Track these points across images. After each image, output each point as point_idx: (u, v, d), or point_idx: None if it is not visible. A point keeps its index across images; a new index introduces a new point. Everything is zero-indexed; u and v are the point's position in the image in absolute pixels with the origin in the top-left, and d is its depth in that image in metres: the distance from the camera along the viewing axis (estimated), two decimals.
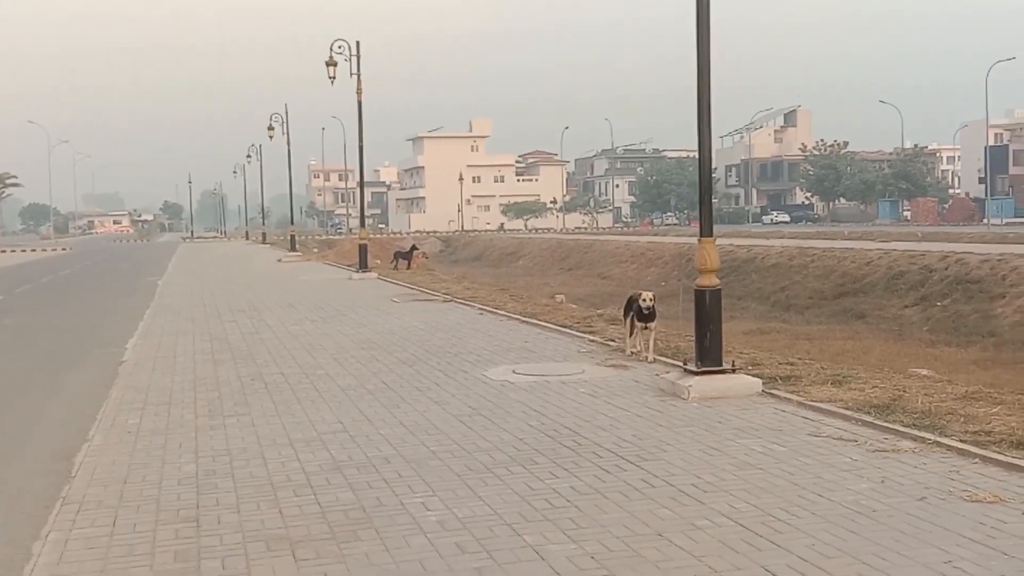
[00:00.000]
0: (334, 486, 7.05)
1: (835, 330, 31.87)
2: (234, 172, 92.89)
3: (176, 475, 7.52)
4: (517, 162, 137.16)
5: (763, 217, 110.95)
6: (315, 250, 57.47)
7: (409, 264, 37.36)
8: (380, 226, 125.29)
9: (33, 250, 78.01)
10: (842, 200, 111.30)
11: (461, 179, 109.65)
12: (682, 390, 9.80)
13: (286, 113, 49.76)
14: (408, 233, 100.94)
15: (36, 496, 7.15)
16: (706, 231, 10.15)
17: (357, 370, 12.32)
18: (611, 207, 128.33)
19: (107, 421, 9.70)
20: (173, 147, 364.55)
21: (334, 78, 29.84)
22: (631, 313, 12.41)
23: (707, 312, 9.98)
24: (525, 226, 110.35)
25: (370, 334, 15.92)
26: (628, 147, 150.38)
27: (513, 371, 11.77)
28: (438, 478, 7.16)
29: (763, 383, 10.12)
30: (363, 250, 30.56)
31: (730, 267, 49.01)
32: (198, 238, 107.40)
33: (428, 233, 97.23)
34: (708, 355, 9.96)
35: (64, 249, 79.37)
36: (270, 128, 51.65)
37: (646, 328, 12.15)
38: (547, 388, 10.64)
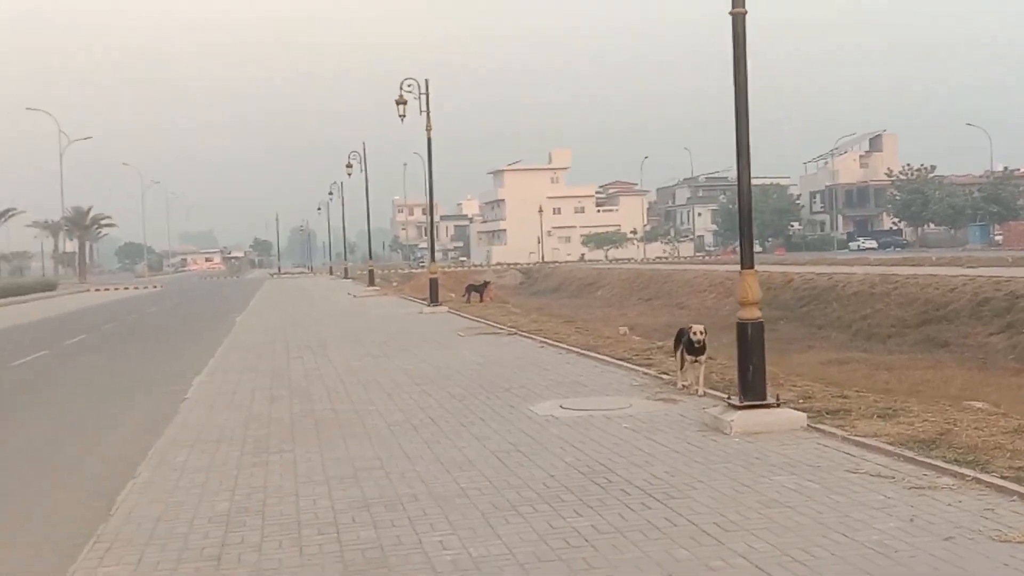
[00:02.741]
0: (358, 524, 7.10)
1: (917, 359, 31.10)
2: (318, 209, 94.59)
3: (209, 513, 7.64)
4: (597, 193, 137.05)
5: (849, 243, 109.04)
6: (394, 284, 58.04)
7: (481, 297, 37.56)
8: (462, 259, 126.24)
9: (126, 288, 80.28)
10: (931, 225, 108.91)
11: (541, 211, 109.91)
12: (724, 425, 9.66)
13: (364, 150, 50.61)
14: (488, 265, 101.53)
15: (72, 533, 7.34)
16: (747, 262, 10.02)
17: (407, 406, 12.40)
18: (692, 236, 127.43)
19: (156, 458, 9.91)
20: (262, 185, 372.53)
21: (404, 116, 30.27)
22: (681, 346, 12.28)
23: (749, 345, 9.84)
24: (606, 256, 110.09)
25: (428, 369, 16.02)
26: (710, 175, 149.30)
27: (560, 406, 11.74)
28: (461, 516, 7.17)
29: (810, 417, 9.93)
30: (433, 284, 30.79)
31: (811, 295, 48.29)
32: (285, 274, 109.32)
33: (508, 265, 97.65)
34: (751, 389, 9.81)
35: (155, 287, 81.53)
36: (348, 165, 52.52)
37: (696, 361, 12.02)
38: (590, 423, 10.58)
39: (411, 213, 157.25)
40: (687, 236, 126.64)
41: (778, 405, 9.86)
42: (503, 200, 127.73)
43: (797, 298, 48.81)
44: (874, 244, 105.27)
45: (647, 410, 11.23)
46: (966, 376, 26.52)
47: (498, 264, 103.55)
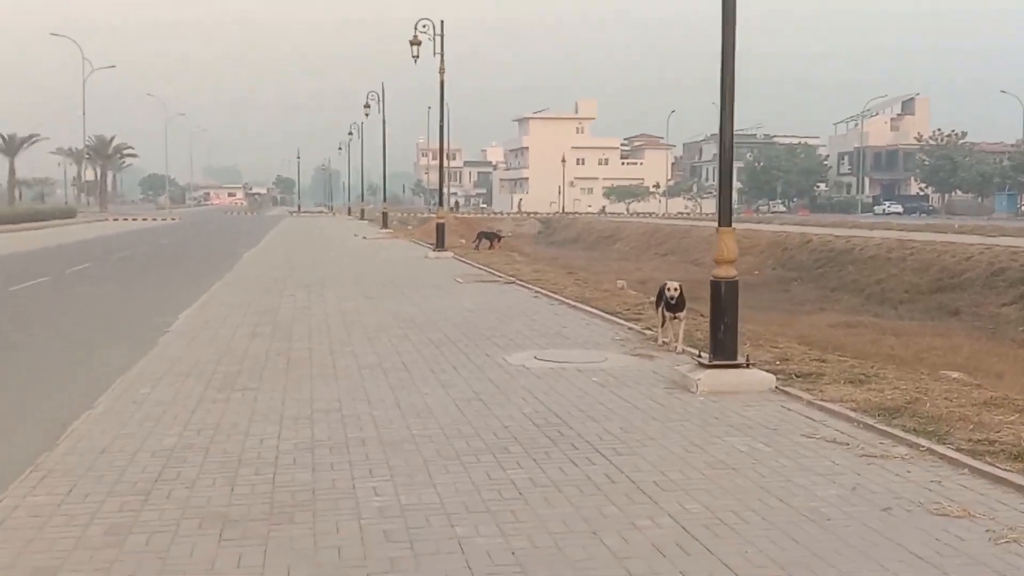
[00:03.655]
0: (297, 466, 7.03)
1: (926, 326, 30.83)
2: (339, 149, 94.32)
3: (155, 447, 7.59)
4: (622, 145, 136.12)
5: (875, 207, 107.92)
6: (410, 227, 57.94)
7: (492, 245, 37.41)
8: (482, 206, 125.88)
9: (144, 219, 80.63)
10: (958, 192, 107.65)
11: (564, 161, 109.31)
12: (691, 383, 9.52)
13: (383, 92, 50.24)
14: (508, 213, 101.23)
15: (12, 463, 7.27)
16: (724, 220, 9.84)
17: (384, 349, 12.32)
18: (715, 193, 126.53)
19: (119, 390, 9.87)
20: (288, 123, 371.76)
21: (417, 57, 29.96)
22: (662, 303, 12.12)
23: (722, 304, 9.67)
24: (627, 210, 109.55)
25: (416, 313, 15.93)
26: (738, 132, 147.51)
27: (535, 357, 11.62)
28: (404, 463, 7.08)
29: (780, 379, 9.78)
30: (440, 229, 30.66)
31: (827, 257, 47.92)
32: (304, 212, 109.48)
33: (529, 214, 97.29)
34: (722, 348, 9.66)
35: (173, 219, 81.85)
36: (366, 106, 52.19)
37: (675, 318, 11.87)
38: (559, 375, 10.47)
39: (434, 157, 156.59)
40: (710, 192, 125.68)
41: (748, 366, 9.70)
42: (527, 148, 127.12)
43: (813, 259, 48.46)
44: (899, 209, 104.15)
45: (621, 365, 11.11)
46: (973, 345, 26.27)
47: (518, 212, 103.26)
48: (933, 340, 27.60)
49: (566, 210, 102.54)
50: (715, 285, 9.75)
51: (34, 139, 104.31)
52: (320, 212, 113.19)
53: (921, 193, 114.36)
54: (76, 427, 8.31)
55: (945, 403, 8.69)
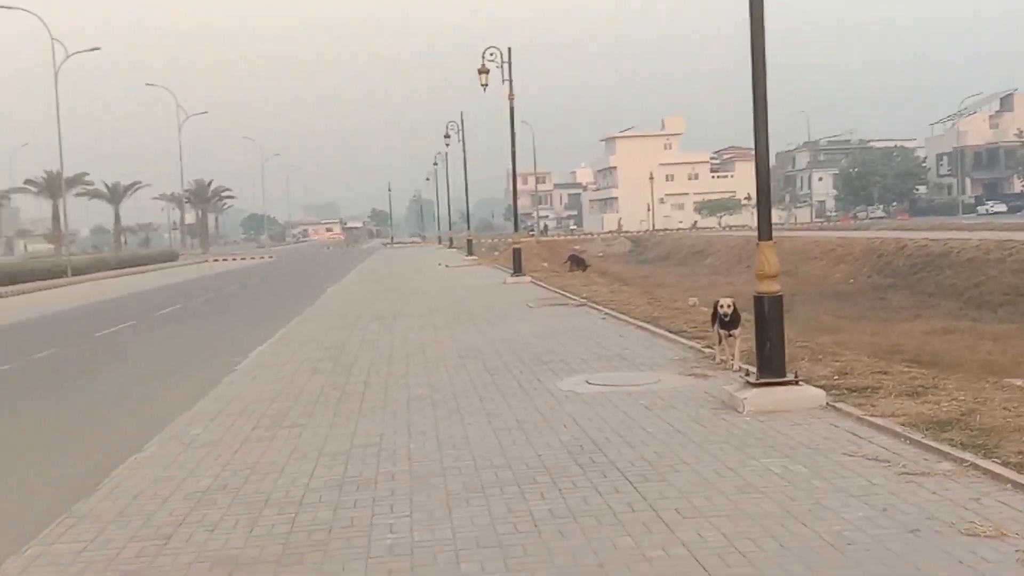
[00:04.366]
0: (321, 504, 7.02)
1: None
2: (427, 179, 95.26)
3: (189, 489, 7.67)
4: (712, 159, 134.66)
5: (977, 207, 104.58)
6: (496, 253, 58.12)
7: (581, 268, 37.54)
8: (572, 227, 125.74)
9: (243, 258, 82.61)
10: None
11: (652, 178, 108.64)
12: (738, 403, 9.27)
13: (462, 121, 50.58)
14: (599, 234, 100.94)
15: (49, 507, 7.42)
16: (764, 234, 9.58)
17: (438, 380, 12.30)
18: (809, 201, 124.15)
19: (172, 432, 10.03)
20: (381, 157, 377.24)
21: (486, 85, 30.11)
22: (717, 320, 11.86)
23: (767, 320, 9.40)
24: (719, 224, 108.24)
25: (480, 341, 15.90)
26: (832, 138, 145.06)
27: (587, 381, 11.47)
28: (427, 497, 7.02)
29: (834, 395, 9.46)
30: (517, 254, 30.65)
31: (923, 262, 46.65)
32: (397, 244, 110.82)
33: (619, 233, 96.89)
34: (768, 366, 9.38)
35: (270, 257, 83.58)
36: (447, 136, 52.65)
37: (730, 335, 11.60)
38: (607, 400, 10.30)
39: (524, 182, 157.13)
40: (805, 202, 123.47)
41: (797, 382, 9.41)
42: (615, 167, 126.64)
43: (909, 265, 47.20)
44: (1004, 208, 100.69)
45: (673, 386, 10.88)
46: None
47: (609, 232, 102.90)
48: None
49: (657, 227, 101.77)
50: (758, 300, 9.49)
51: (136, 186, 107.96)
52: (413, 243, 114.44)
53: None
54: (119, 472, 8.45)
55: (1003, 413, 8.30)
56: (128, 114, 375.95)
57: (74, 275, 55.25)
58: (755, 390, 9.31)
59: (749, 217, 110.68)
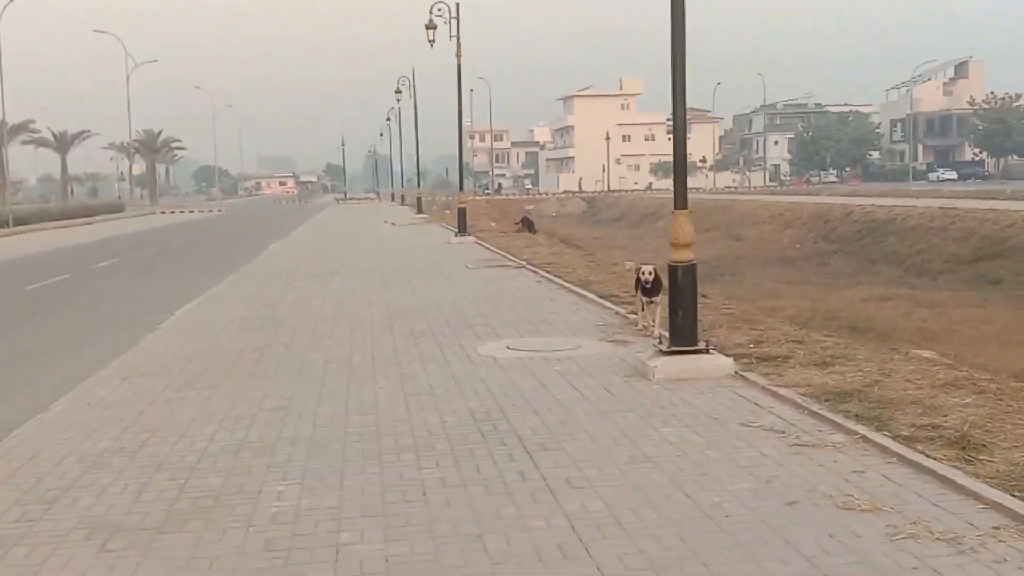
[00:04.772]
0: (214, 470, 6.96)
1: (964, 297, 30.19)
2: (380, 134, 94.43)
3: (85, 452, 7.57)
4: (668, 120, 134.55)
5: (929, 174, 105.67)
6: (448, 212, 57.88)
7: (532, 229, 37.56)
8: (528, 187, 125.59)
9: (191, 211, 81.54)
10: (1014, 157, 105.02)
11: (608, 138, 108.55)
12: (649, 371, 9.31)
13: (413, 77, 50.12)
14: (554, 193, 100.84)
15: None
16: (680, 202, 9.59)
17: (361, 342, 12.25)
18: (763, 165, 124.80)
19: (80, 392, 9.91)
20: (337, 111, 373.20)
21: (433, 41, 29.81)
22: (639, 287, 11.87)
23: (680, 288, 9.43)
24: None
25: (412, 302, 15.85)
26: (789, 102, 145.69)
27: (507, 346, 11.47)
28: (322, 464, 6.98)
29: (744, 364, 9.53)
30: (461, 214, 30.55)
31: (869, 229, 47.10)
32: (350, 199, 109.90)
33: (572, 193, 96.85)
34: (680, 334, 9.42)
35: (220, 211, 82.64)
36: (397, 92, 52.16)
37: (651, 302, 11.61)
38: (523, 365, 10.30)
39: (482, 139, 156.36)
40: (759, 165, 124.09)
41: (708, 351, 9.46)
42: (572, 127, 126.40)
43: (855, 231, 47.67)
44: (954, 175, 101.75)
45: (591, 352, 10.91)
46: (1010, 316, 25.65)
47: (564, 192, 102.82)
48: (968, 311, 26.98)
49: (612, 188, 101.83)
50: (672, 269, 9.52)
51: (85, 135, 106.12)
52: (367, 199, 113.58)
53: (976, 159, 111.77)
54: (21, 431, 8.34)
55: (905, 385, 8.40)
56: (77, 61, 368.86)
57: (16, 225, 54.34)
58: (666, 358, 9.36)
59: (703, 180, 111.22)
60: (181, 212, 79.88)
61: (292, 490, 6.43)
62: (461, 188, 34.79)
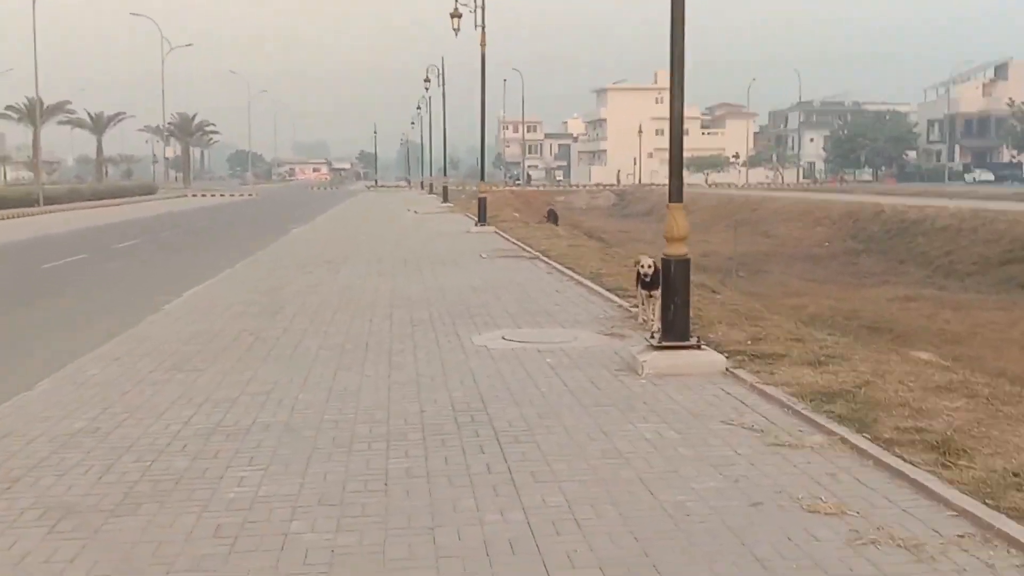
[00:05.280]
0: (182, 453, 6.89)
1: (989, 299, 29.81)
2: (412, 123, 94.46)
3: (59, 431, 7.53)
4: (703, 115, 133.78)
5: (965, 175, 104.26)
6: (474, 201, 57.79)
7: (555, 222, 37.55)
8: (558, 179, 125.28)
9: (222, 195, 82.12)
10: None
11: (641, 132, 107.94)
12: (639, 365, 9.16)
13: (442, 66, 50.03)
14: (584, 186, 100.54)
15: None
16: (674, 196, 9.41)
17: (359, 329, 12.18)
18: (798, 162, 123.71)
19: (71, 370, 9.89)
20: (371, 96, 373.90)
21: (458, 30, 29.69)
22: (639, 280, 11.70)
23: (673, 282, 9.28)
24: (705, 181, 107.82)
25: (418, 291, 15.76)
26: (826, 100, 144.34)
27: (503, 337, 11.35)
28: (291, 451, 6.90)
29: (736, 361, 9.36)
30: (481, 204, 30.47)
31: (899, 228, 46.65)
32: (382, 187, 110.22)
33: (604, 186, 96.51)
34: (672, 329, 9.27)
35: (250, 195, 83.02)
36: (426, 80, 52.09)
37: (651, 296, 11.43)
38: (515, 356, 10.18)
39: (515, 130, 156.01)
40: (794, 162, 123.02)
41: (699, 346, 9.30)
42: (605, 120, 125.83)
43: (885, 231, 47.20)
44: (991, 176, 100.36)
45: (587, 344, 10.77)
46: None
47: (597, 184, 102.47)
48: (992, 314, 26.63)
49: (644, 182, 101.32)
50: (665, 263, 9.38)
51: (120, 117, 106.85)
52: (398, 187, 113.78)
53: (1014, 160, 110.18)
54: (3, 408, 8.31)
55: (896, 387, 8.20)
56: (115, 43, 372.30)
57: (47, 204, 54.79)
58: (656, 353, 9.21)
59: (736, 176, 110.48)
60: (212, 196, 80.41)
61: (254, 476, 6.34)
62: (482, 178, 34.71)
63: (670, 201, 9.45)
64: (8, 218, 45.20)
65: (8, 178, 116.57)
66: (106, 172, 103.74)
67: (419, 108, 77.66)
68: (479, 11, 29.44)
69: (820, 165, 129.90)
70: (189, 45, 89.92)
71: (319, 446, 7.02)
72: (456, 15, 29.63)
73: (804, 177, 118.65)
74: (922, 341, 20.60)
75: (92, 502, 5.91)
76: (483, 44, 29.49)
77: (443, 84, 51.05)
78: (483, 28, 29.47)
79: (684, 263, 9.30)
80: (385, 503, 5.80)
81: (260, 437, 7.28)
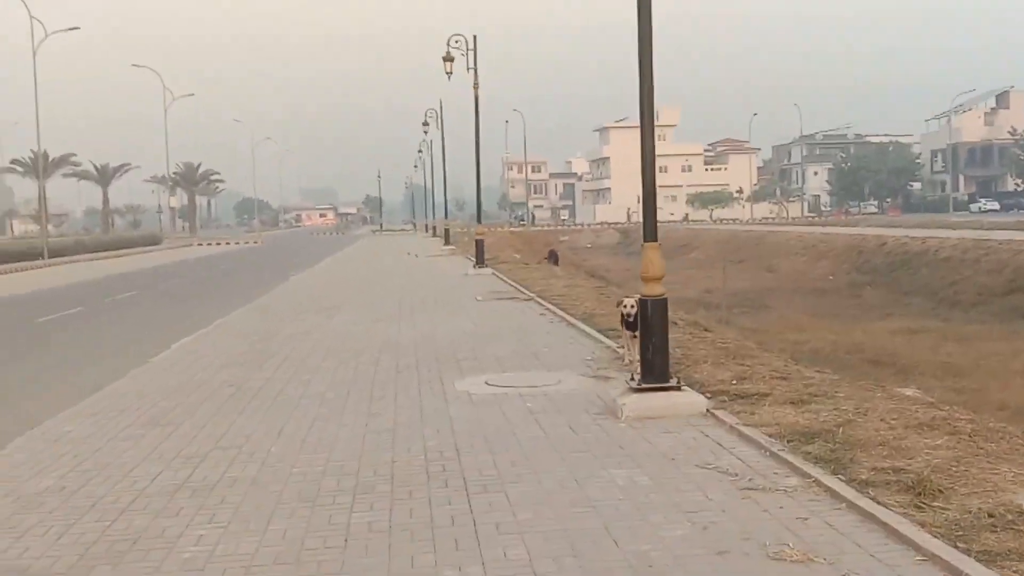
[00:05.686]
0: (144, 511, 6.77)
1: (994, 330, 29.59)
2: (415, 166, 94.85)
3: (25, 491, 7.42)
4: (706, 151, 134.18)
5: (971, 205, 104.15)
6: None
7: (556, 262, 37.52)
8: (563, 218, 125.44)
9: (227, 243, 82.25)
10: None
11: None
12: (618, 408, 9.02)
13: (441, 109, 50.24)
14: (589, 225, 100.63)
15: None
16: (649, 235, 9.33)
17: (342, 377, 12.06)
18: (803, 196, 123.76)
19: (50, 424, 9.81)
20: (376, 140, 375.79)
21: (451, 73, 29.77)
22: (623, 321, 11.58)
23: (650, 323, 9.14)
24: (710, 217, 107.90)
25: (407, 337, 15.65)
26: (828, 132, 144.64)
27: (486, 381, 11.22)
28: (253, 507, 6.76)
29: (718, 401, 9.22)
30: (479, 246, 30.41)
31: (901, 260, 46.58)
32: (387, 230, 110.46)
33: (608, 225, 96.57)
34: (651, 370, 9.13)
35: (256, 243, 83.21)
36: (425, 124, 52.29)
37: (634, 336, 11.28)
38: (496, 402, 10.06)
39: (520, 170, 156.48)
40: (797, 196, 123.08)
41: (679, 387, 9.16)
42: (608, 158, 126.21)
43: (888, 263, 47.13)
44: (996, 206, 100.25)
45: (571, 387, 10.65)
46: None
47: (601, 223, 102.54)
48: (997, 345, 26.40)
49: None
50: (642, 304, 9.25)
51: (126, 168, 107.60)
52: (403, 230, 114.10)
53: (1018, 189, 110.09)
54: None
55: (878, 425, 8.05)
56: (118, 94, 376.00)
57: (52, 257, 54.94)
58: (635, 395, 9.07)
59: (740, 211, 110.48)
60: (218, 244, 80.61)
61: (213, 534, 6.21)
62: (479, 220, 34.63)
63: (645, 240, 9.36)
64: (11, 272, 45.28)
65: (16, 231, 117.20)
66: (112, 223, 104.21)
67: (420, 152, 77.98)
68: (471, 54, 29.56)
69: (825, 198, 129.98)
70: (190, 95, 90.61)
71: (283, 501, 6.89)
72: (448, 59, 29.73)
73: (809, 211, 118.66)
74: (925, 375, 20.40)
75: (45, 564, 5.79)
76: (476, 87, 29.60)
77: (441, 127, 51.30)
78: (475, 71, 29.58)
79: (661, 303, 9.17)
80: (341, 560, 5.67)
81: (225, 493, 7.15)
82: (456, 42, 29.54)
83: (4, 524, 6.60)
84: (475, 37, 29.66)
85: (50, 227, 77.41)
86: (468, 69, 29.50)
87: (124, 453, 8.53)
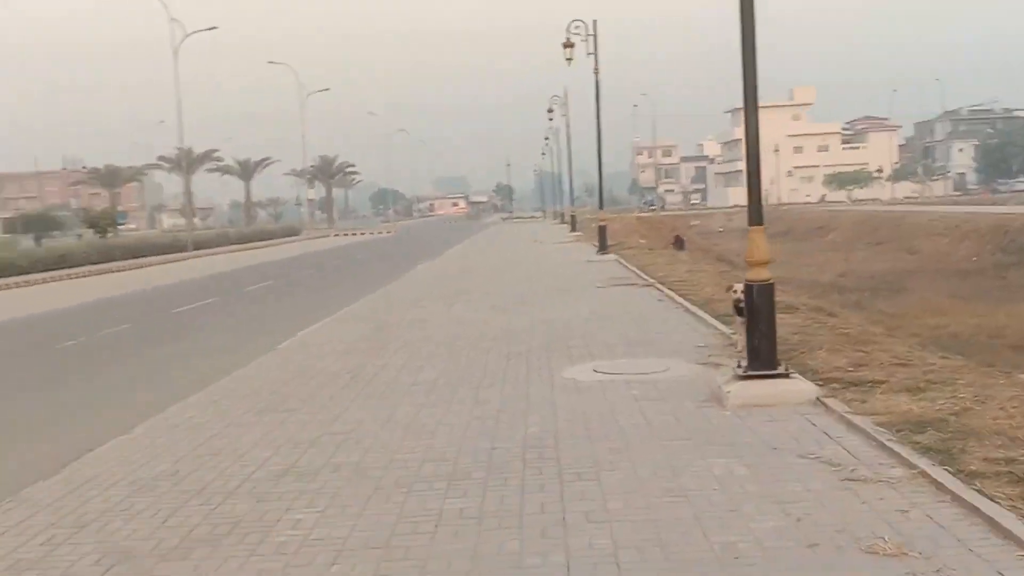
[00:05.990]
0: (249, 495, 6.97)
1: None
2: (542, 154, 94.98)
3: (140, 475, 7.73)
4: (844, 129, 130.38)
5: None
6: None
7: (681, 247, 37.21)
8: (693, 202, 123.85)
9: (363, 233, 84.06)
10: None
11: (777, 150, 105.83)
12: (724, 396, 8.86)
13: (565, 96, 50.16)
14: (722, 208, 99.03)
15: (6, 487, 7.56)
16: (755, 219, 9.10)
17: (455, 364, 12.18)
18: (946, 174, 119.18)
19: (173, 411, 10.21)
20: (508, 128, 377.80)
21: (571, 59, 29.67)
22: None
23: (756, 308, 8.95)
24: (848, 197, 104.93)
25: (522, 324, 15.70)
26: (973, 108, 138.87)
27: (594, 369, 11.17)
28: (352, 492, 6.90)
29: (830, 389, 8.96)
30: (602, 232, 30.27)
31: None
32: (516, 218, 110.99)
33: (740, 207, 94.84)
34: (757, 357, 8.94)
35: (388, 232, 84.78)
36: (550, 111, 52.28)
37: (744, 323, 11.06)
38: (601, 389, 10.01)
39: (650, 155, 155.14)
40: (941, 174, 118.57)
41: (787, 375, 8.94)
42: (739, 140, 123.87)
43: None
44: None
45: (678, 375, 10.52)
46: None
47: (733, 206, 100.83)
48: None
49: (782, 201, 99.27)
50: (748, 288, 9.06)
51: (266, 163, 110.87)
52: (532, 217, 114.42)
53: None
54: (97, 452, 8.59)
55: (995, 414, 7.68)
56: (257, 91, 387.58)
57: (197, 249, 57.10)
58: (742, 383, 8.90)
59: (880, 191, 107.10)
60: (353, 234, 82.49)
61: (310, 519, 6.36)
62: (600, 206, 34.47)
63: (749, 224, 9.15)
64: (157, 264, 47.25)
65: (166, 225, 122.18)
66: (255, 216, 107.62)
67: (547, 139, 77.98)
68: (591, 39, 29.40)
69: (970, 176, 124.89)
70: (326, 90, 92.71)
71: (381, 486, 7.00)
72: (569, 44, 29.63)
73: (954, 189, 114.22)
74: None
75: (149, 546, 6.01)
76: (596, 71, 29.47)
77: (567, 113, 51.21)
78: (596, 56, 29.42)
79: (767, 288, 8.97)
80: (430, 546, 5.72)
81: (328, 478, 7.30)
82: (576, 28, 29.43)
83: (118, 507, 6.89)
84: (595, 22, 29.52)
85: (197, 220, 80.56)
86: (588, 54, 29.36)
87: (239, 439, 8.80)
